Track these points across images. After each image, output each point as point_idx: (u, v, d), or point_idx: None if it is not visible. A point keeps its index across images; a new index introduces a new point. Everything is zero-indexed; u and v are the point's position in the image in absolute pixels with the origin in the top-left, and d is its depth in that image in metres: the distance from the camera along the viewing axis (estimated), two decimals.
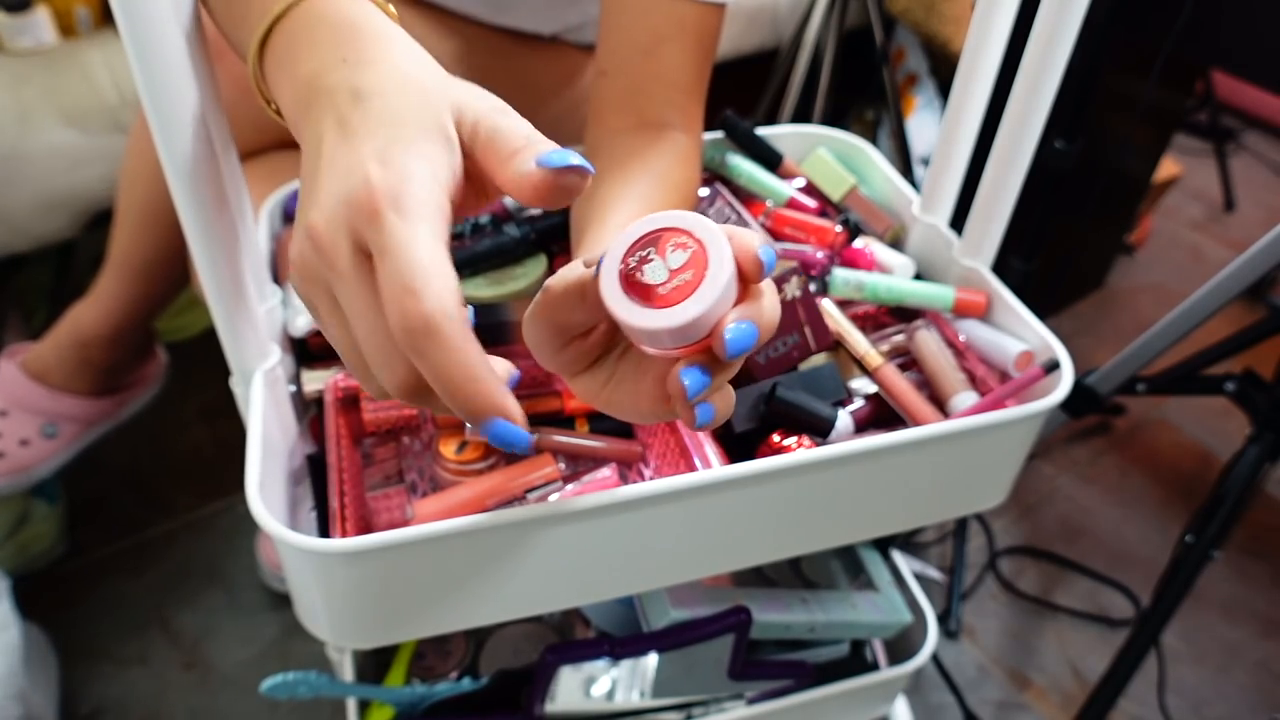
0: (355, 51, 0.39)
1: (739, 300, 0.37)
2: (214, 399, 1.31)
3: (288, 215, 0.73)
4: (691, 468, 0.58)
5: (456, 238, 0.70)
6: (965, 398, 0.64)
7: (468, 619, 0.55)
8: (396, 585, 0.51)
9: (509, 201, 0.72)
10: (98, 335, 0.99)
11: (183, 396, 1.29)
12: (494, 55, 0.87)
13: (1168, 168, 1.68)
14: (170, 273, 0.96)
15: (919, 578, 1.16)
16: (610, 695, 0.73)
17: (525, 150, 0.37)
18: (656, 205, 0.61)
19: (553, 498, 0.56)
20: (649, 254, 0.37)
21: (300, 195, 0.37)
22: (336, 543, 0.48)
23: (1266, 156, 2.14)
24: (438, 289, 0.33)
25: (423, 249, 0.33)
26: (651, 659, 0.71)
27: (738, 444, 0.60)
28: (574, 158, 0.36)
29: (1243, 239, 1.86)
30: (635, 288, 0.36)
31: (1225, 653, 1.13)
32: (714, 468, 0.56)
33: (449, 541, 0.49)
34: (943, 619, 1.13)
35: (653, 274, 0.37)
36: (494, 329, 0.62)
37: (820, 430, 0.60)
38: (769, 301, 0.37)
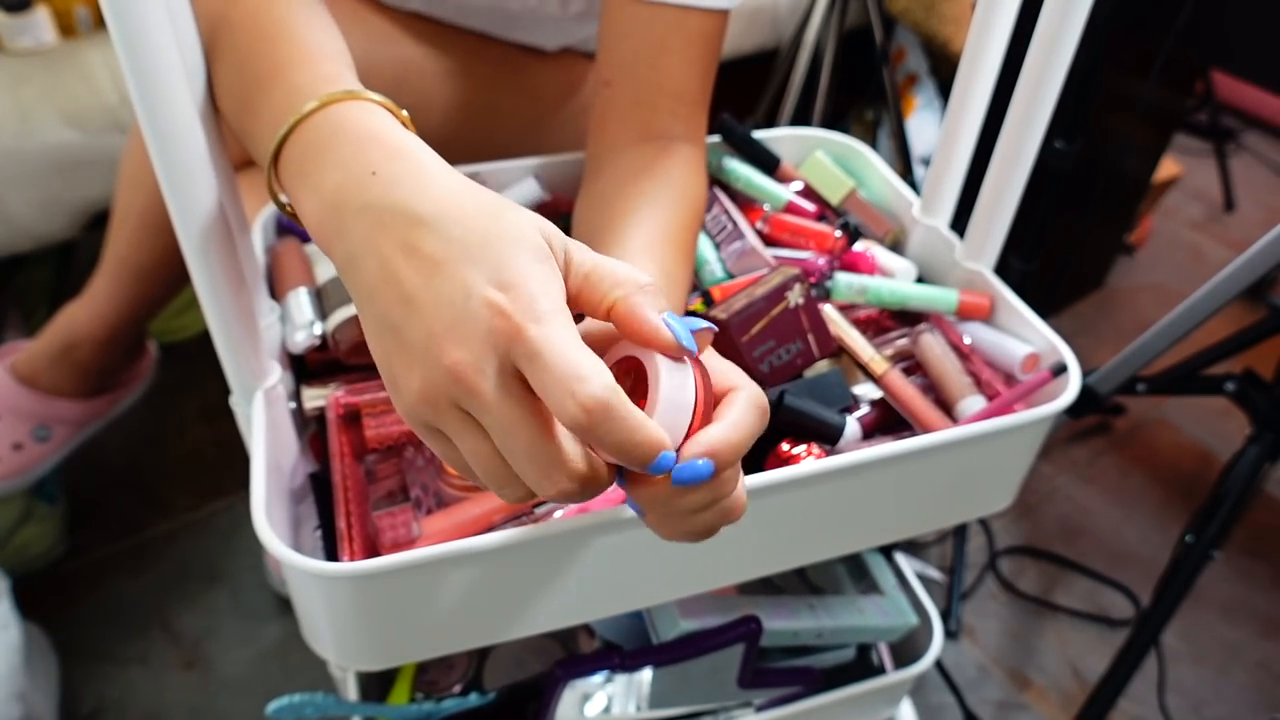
0: (381, 162, 0.39)
1: (706, 417, 0.39)
2: (214, 399, 1.31)
3: (281, 227, 0.73)
4: None
5: None
6: (973, 402, 0.64)
7: (477, 638, 0.55)
8: (406, 606, 0.50)
9: None
10: (91, 337, 0.98)
11: (183, 396, 1.29)
12: (500, 66, 0.87)
13: (1168, 168, 1.68)
14: (169, 277, 0.95)
15: (920, 578, 1.16)
16: (607, 710, 0.72)
17: (645, 291, 0.38)
18: (673, 215, 0.61)
19: (559, 512, 0.56)
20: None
21: (386, 321, 0.37)
22: (347, 566, 0.47)
23: (1266, 156, 2.14)
24: (600, 370, 0.34)
25: (571, 342, 0.35)
26: (646, 673, 0.71)
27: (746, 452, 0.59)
28: (696, 326, 0.39)
29: (1243, 239, 1.86)
30: None
31: (1225, 653, 1.14)
32: None
33: (459, 561, 0.49)
34: (943, 619, 1.13)
35: None
36: None
37: (829, 438, 0.59)
38: (726, 430, 0.39)
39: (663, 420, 0.37)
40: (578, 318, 0.38)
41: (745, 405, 0.40)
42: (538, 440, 0.36)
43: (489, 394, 0.35)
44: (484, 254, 0.36)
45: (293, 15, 0.50)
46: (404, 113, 0.44)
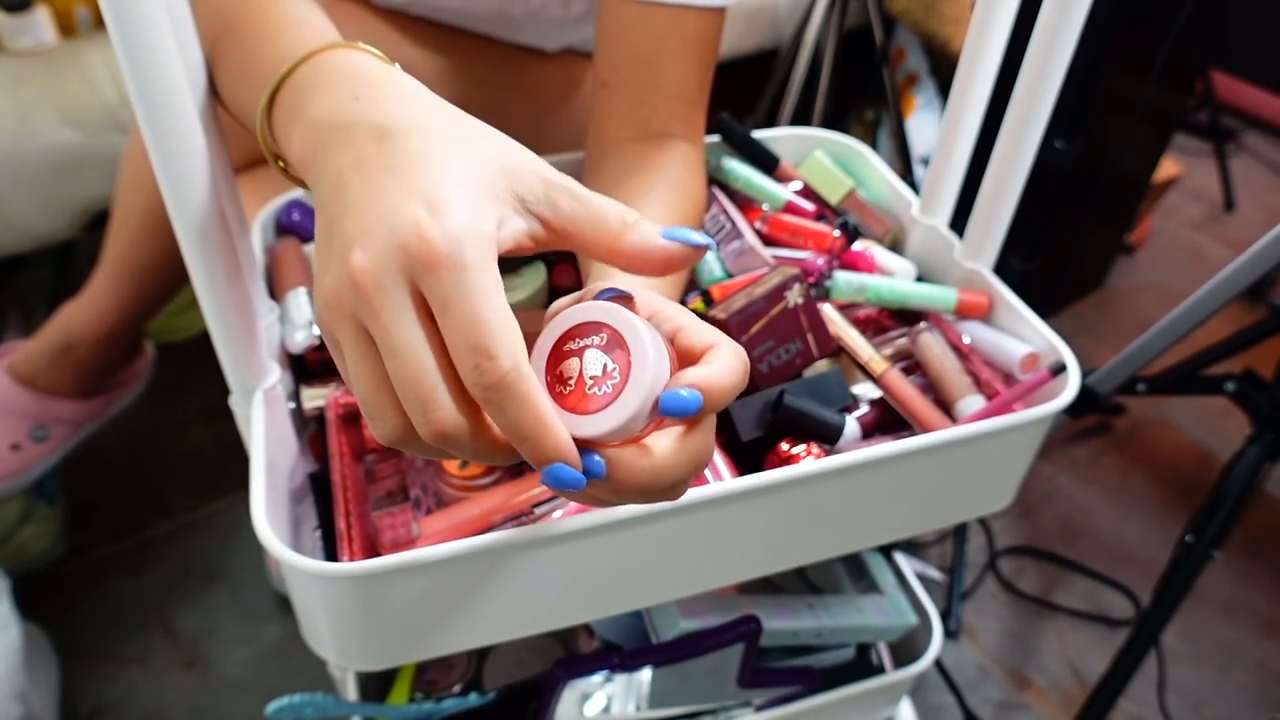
0: (364, 89, 0.39)
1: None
2: (214, 399, 1.31)
3: (280, 228, 0.73)
4: (701, 480, 0.57)
5: None
6: (972, 401, 0.64)
7: (476, 638, 0.55)
8: (406, 606, 0.50)
9: None
10: (90, 337, 0.98)
11: (183, 396, 1.29)
12: (501, 66, 0.87)
13: (1168, 168, 1.68)
14: (169, 277, 0.95)
15: (919, 578, 1.16)
16: (607, 710, 0.72)
17: (638, 226, 0.38)
18: (675, 211, 0.61)
19: (558, 512, 0.56)
20: (579, 344, 0.37)
21: (326, 230, 0.36)
22: (347, 566, 0.47)
23: (1266, 156, 2.14)
24: (509, 344, 0.33)
25: (489, 303, 0.33)
26: (646, 673, 0.71)
27: (745, 452, 0.59)
28: (700, 236, 0.39)
29: (1243, 239, 1.86)
30: (561, 391, 0.37)
31: (1225, 653, 1.14)
32: (725, 479, 0.56)
33: (459, 561, 0.49)
34: (943, 619, 1.14)
35: (590, 368, 0.37)
36: None
37: (828, 437, 0.59)
38: (714, 371, 0.37)
39: (654, 373, 0.35)
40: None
41: (732, 355, 0.38)
42: (426, 369, 0.34)
43: (385, 312, 0.33)
44: (430, 171, 0.35)
45: (287, 2, 0.51)
46: (395, 64, 0.44)
